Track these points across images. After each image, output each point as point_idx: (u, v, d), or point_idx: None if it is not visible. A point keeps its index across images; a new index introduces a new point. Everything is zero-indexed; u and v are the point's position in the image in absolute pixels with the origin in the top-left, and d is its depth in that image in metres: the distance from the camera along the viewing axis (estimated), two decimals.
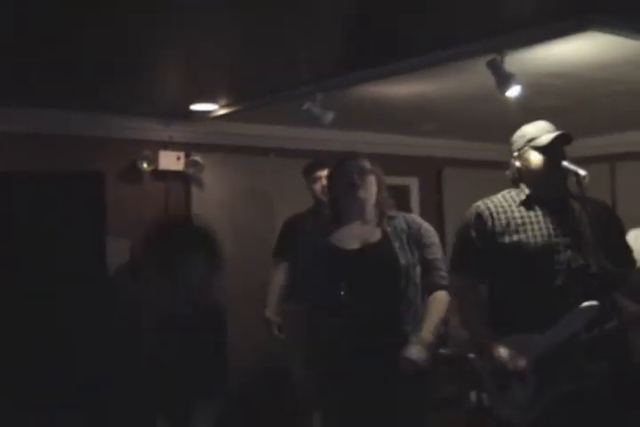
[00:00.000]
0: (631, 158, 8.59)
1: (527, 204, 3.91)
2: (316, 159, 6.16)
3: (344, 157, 4.28)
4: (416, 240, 4.14)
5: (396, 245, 4.08)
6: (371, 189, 4.20)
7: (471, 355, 4.03)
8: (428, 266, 4.13)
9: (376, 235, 4.15)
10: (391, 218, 4.21)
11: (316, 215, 5.65)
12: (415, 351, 3.93)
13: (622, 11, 4.00)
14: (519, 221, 3.87)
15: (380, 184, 4.27)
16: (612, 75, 5.42)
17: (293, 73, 5.31)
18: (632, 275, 4.08)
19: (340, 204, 4.25)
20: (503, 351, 3.72)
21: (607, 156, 8.46)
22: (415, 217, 4.36)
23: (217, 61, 5.05)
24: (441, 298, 4.13)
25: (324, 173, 5.41)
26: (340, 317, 3.96)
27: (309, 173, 6.00)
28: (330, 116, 5.64)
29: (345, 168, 4.19)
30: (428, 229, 4.23)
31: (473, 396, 5.38)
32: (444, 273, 4.14)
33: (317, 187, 5.89)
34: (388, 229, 4.15)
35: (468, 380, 5.33)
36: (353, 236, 4.15)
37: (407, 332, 4.00)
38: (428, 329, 4.03)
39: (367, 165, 4.21)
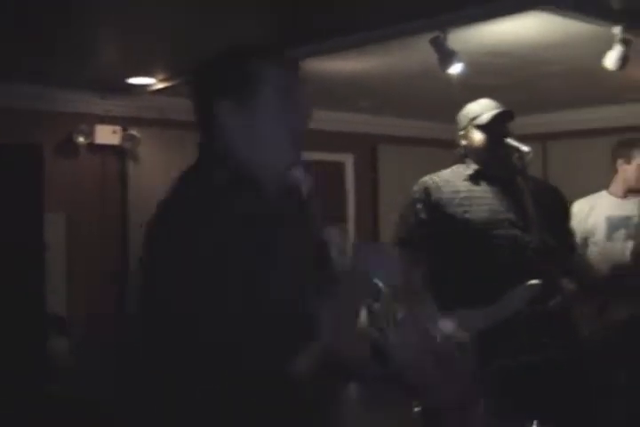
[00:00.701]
0: (563, 137, 8.73)
1: (473, 179, 3.95)
2: None
3: None
4: None
5: None
6: None
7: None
8: None
9: None
10: None
11: None
12: None
13: None
14: (465, 194, 3.90)
15: None
16: (552, 55, 5.50)
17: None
18: (575, 258, 4.17)
19: None
20: (448, 324, 3.77)
21: (540, 134, 8.58)
22: None
23: (155, 35, 5.00)
24: None
25: None
26: None
27: None
28: None
29: None
30: None
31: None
32: None
33: None
34: None
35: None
36: None
37: None
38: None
39: None
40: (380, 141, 8.99)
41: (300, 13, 4.57)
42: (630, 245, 4.99)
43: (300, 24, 4.80)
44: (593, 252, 5.27)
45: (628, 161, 5.22)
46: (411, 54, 5.37)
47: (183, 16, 4.53)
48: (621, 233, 5.20)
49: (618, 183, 5.32)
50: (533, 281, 3.65)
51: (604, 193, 5.40)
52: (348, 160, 8.82)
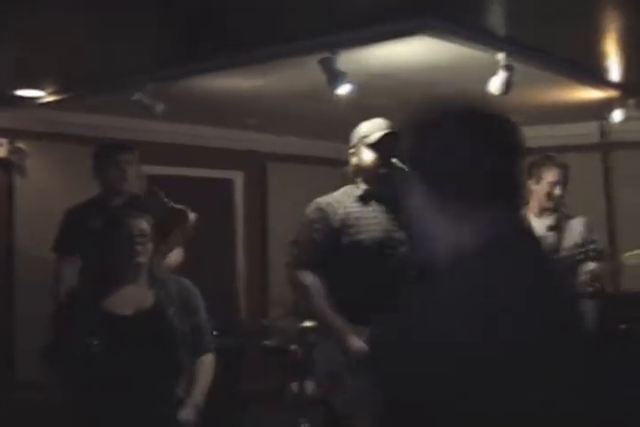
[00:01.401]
0: None
1: (363, 199, 4.02)
2: (113, 142, 5.80)
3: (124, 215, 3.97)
4: (187, 305, 3.92)
5: (171, 310, 3.85)
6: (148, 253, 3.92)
7: (293, 346, 4.11)
8: (196, 330, 3.93)
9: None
10: (162, 281, 3.95)
11: (103, 206, 5.18)
12: (186, 413, 3.76)
13: (452, 17, 4.15)
14: (356, 215, 3.98)
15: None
16: (439, 77, 5.60)
17: (124, 63, 5.25)
18: None
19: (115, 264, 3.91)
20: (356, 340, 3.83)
21: None
22: (184, 280, 4.08)
23: (45, 48, 4.92)
24: (209, 362, 3.99)
25: (125, 157, 5.23)
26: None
27: (106, 156, 5.32)
28: (160, 107, 5.60)
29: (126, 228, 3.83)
30: (195, 292, 4.01)
31: (295, 387, 5.48)
32: (209, 337, 4.01)
33: (113, 173, 5.27)
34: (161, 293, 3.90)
35: (290, 371, 5.42)
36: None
37: (179, 396, 3.81)
38: (200, 392, 3.87)
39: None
40: (270, 159, 9.01)
41: (189, 31, 4.58)
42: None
43: (190, 41, 4.79)
44: None
45: (538, 181, 5.36)
46: (300, 74, 5.42)
47: (74, 30, 4.49)
48: None
49: (532, 202, 5.46)
50: None
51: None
52: (238, 177, 8.82)
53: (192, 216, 5.30)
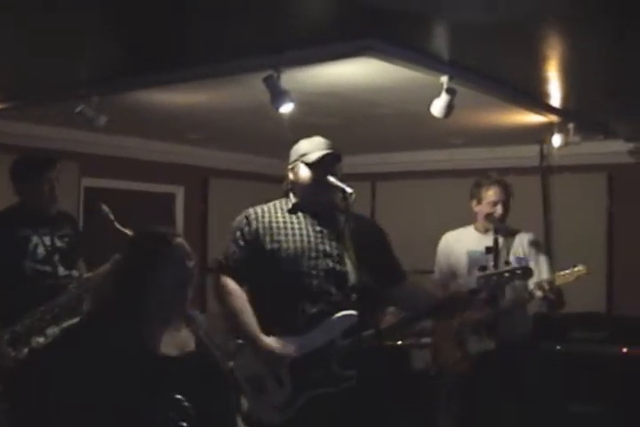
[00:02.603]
0: (390, 178, 8.97)
1: (292, 211, 4.07)
2: (46, 155, 5.50)
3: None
4: None
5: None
6: None
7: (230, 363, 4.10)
8: None
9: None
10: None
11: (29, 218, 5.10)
12: None
13: (396, 40, 4.18)
14: (281, 224, 4.02)
15: None
16: (381, 98, 5.66)
17: (68, 74, 5.21)
18: (401, 285, 4.28)
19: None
20: (274, 345, 3.83)
21: (369, 174, 8.79)
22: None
23: None
24: None
25: (54, 173, 5.09)
26: None
27: (41, 170, 5.12)
28: (103, 119, 5.56)
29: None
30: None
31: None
32: None
33: (46, 188, 5.09)
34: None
35: None
36: None
37: None
38: None
39: None
40: (212, 174, 9.02)
41: (134, 44, 4.56)
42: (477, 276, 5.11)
43: (134, 55, 4.78)
44: (461, 285, 5.43)
45: (480, 201, 5.42)
46: (243, 90, 5.42)
47: (17, 40, 4.44)
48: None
49: (478, 222, 5.52)
50: (348, 312, 3.76)
51: (470, 227, 5.63)
52: (179, 192, 8.81)
53: None
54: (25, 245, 5.03)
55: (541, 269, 5.38)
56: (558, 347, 6.34)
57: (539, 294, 5.16)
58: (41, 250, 5.06)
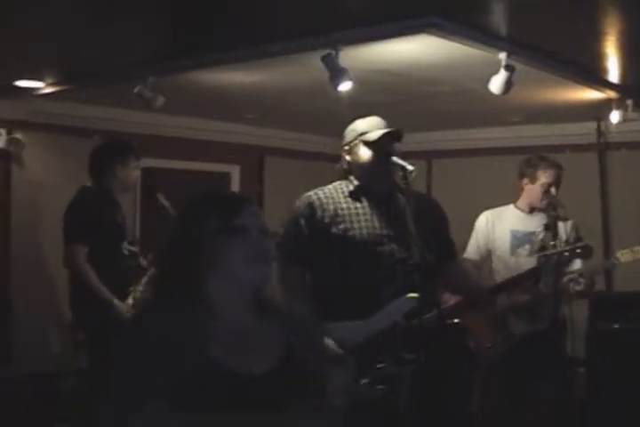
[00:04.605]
0: (447, 156, 8.94)
1: (355, 195, 4.05)
2: (133, 143, 5.85)
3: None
4: None
5: None
6: None
7: None
8: None
9: None
10: None
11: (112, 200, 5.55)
12: None
13: (455, 17, 4.16)
14: (346, 211, 3.99)
15: None
16: (439, 76, 5.64)
17: (125, 55, 5.24)
18: (454, 265, 4.29)
19: None
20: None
21: (425, 152, 8.76)
22: None
23: (46, 38, 4.91)
24: None
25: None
26: None
27: (132, 158, 5.65)
28: (161, 100, 5.61)
29: None
30: None
31: None
32: None
33: (133, 176, 5.69)
34: None
35: None
36: None
37: None
38: None
39: None
40: (267, 153, 9.03)
41: (190, 24, 4.58)
42: (534, 260, 5.10)
43: (191, 35, 4.80)
44: (497, 266, 5.42)
45: (533, 181, 5.39)
46: (301, 69, 5.43)
47: (75, 21, 4.48)
48: (525, 248, 5.34)
49: (523, 200, 5.49)
50: (410, 295, 3.76)
51: (510, 206, 5.59)
52: (235, 171, 8.84)
53: None
54: (122, 228, 5.50)
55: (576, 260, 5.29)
56: (616, 326, 6.29)
57: (573, 286, 5.12)
58: (129, 233, 5.58)
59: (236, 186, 8.84)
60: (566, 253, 4.60)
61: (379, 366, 3.74)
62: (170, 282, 2.39)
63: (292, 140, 9.08)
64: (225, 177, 8.77)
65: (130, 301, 5.25)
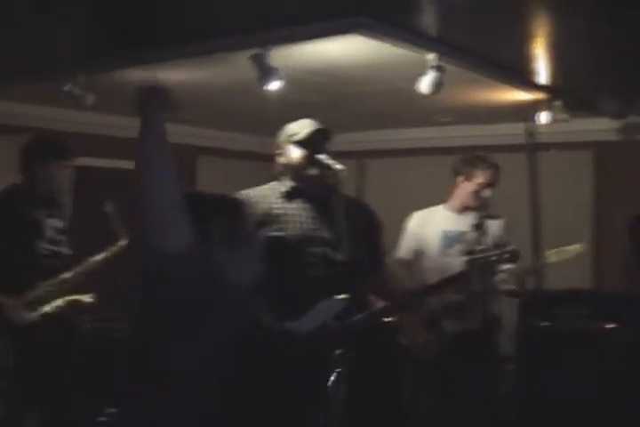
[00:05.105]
0: (379, 156, 8.98)
1: (288, 196, 4.04)
2: (67, 143, 5.67)
3: None
4: None
5: None
6: None
7: None
8: None
9: None
10: None
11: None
12: None
13: (385, 17, 4.18)
14: (279, 211, 3.99)
15: None
16: (369, 76, 5.65)
17: (54, 52, 5.20)
18: (381, 274, 4.31)
19: None
20: None
21: (357, 152, 8.79)
22: None
23: None
24: None
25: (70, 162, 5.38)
26: None
27: (63, 154, 5.46)
28: (90, 98, 5.56)
29: None
30: None
31: None
32: None
33: (63, 172, 5.46)
34: None
35: None
36: None
37: None
38: None
39: None
40: (200, 153, 8.99)
41: (121, 22, 4.54)
42: (464, 260, 5.14)
43: (122, 33, 4.77)
44: (428, 265, 5.44)
45: (469, 179, 5.40)
46: (232, 68, 5.41)
47: (5, 17, 4.42)
48: (456, 248, 5.37)
49: (456, 199, 5.51)
50: (341, 296, 3.76)
51: (440, 207, 5.59)
52: None
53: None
54: (39, 226, 5.28)
55: None
56: (545, 324, 6.36)
57: (506, 287, 5.18)
58: (51, 232, 5.30)
59: None
60: (494, 258, 4.65)
61: None
62: None
63: (224, 140, 9.05)
64: None
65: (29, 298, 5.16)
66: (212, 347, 2.76)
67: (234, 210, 2.80)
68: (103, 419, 5.39)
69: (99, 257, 5.48)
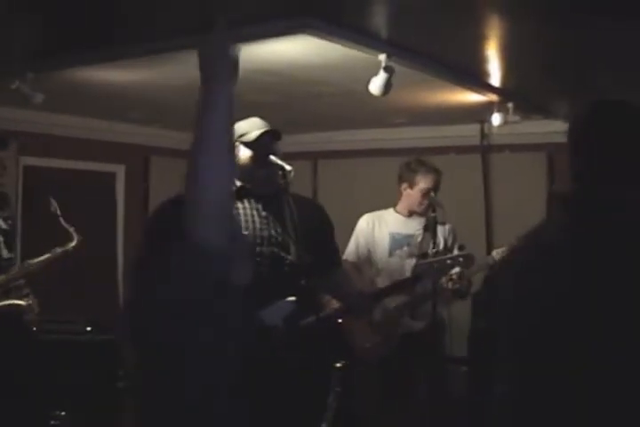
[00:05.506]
0: (332, 157, 8.97)
1: (237, 196, 4.02)
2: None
3: None
4: None
5: None
6: None
7: None
8: None
9: None
10: None
11: None
12: None
13: (334, 18, 4.17)
14: None
15: None
16: (320, 76, 5.64)
17: (2, 50, 5.13)
18: (337, 274, 4.30)
19: None
20: None
21: (310, 153, 8.77)
22: None
23: None
24: None
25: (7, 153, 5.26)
26: None
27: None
28: (39, 97, 5.49)
29: None
30: None
31: None
32: None
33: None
34: None
35: None
36: None
37: None
38: None
39: None
40: (153, 153, 8.92)
41: (70, 21, 4.49)
42: (412, 262, 5.16)
43: (70, 31, 4.71)
44: (377, 267, 5.45)
45: (412, 186, 5.43)
46: (181, 68, 5.37)
47: None
48: (403, 250, 5.39)
49: (402, 204, 5.53)
50: (290, 298, 3.75)
51: (390, 210, 5.63)
52: (120, 171, 8.69)
53: (76, 240, 5.31)
54: None
55: None
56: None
57: (451, 286, 5.19)
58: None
59: (121, 186, 8.70)
60: (448, 262, 4.66)
61: None
62: None
63: (177, 140, 8.97)
64: (110, 177, 8.62)
65: None
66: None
67: None
68: (55, 422, 5.35)
69: (38, 259, 5.33)
